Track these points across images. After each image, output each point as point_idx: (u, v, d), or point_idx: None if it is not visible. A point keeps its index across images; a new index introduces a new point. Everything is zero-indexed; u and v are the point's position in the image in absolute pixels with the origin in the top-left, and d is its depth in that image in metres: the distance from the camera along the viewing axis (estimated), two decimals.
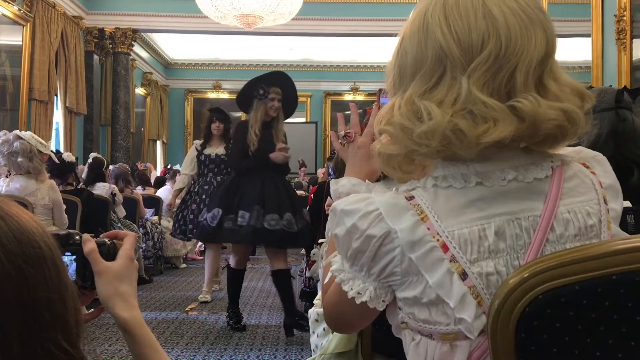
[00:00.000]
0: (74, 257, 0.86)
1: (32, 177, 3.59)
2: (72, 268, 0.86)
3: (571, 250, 0.77)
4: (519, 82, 0.79)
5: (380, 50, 11.28)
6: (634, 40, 4.29)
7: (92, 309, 0.92)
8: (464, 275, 0.79)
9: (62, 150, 6.57)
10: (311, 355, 1.86)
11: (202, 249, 6.92)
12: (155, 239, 6.59)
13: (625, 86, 2.36)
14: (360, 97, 13.45)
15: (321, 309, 1.94)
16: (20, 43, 6.96)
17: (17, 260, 0.58)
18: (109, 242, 0.89)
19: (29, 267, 0.58)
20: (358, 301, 0.86)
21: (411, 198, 0.84)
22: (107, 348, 3.72)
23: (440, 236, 0.80)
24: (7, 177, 3.51)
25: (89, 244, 0.86)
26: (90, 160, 5.64)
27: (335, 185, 1.18)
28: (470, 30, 0.80)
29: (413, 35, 0.86)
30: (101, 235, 0.90)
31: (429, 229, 0.81)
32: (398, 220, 0.82)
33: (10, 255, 0.57)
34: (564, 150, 0.89)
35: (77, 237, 0.87)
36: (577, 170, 0.87)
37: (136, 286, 0.89)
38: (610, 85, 2.97)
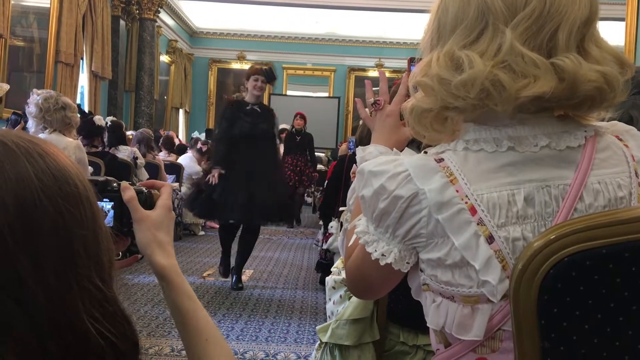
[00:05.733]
0: (112, 204, 0.87)
1: (65, 132, 3.68)
2: (110, 215, 0.86)
3: (599, 214, 0.76)
4: (561, 41, 0.78)
5: (406, 27, 11.13)
6: None
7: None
8: (490, 239, 0.79)
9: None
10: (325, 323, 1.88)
11: None
12: (175, 205, 6.67)
13: None
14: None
15: (338, 277, 1.95)
16: (49, 5, 7.00)
17: (54, 196, 0.58)
18: (146, 191, 0.89)
19: (65, 203, 0.59)
20: (382, 263, 0.86)
21: (440, 160, 0.84)
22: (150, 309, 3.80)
23: (468, 199, 0.80)
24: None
25: (129, 191, 0.87)
26: (109, 123, 5.67)
27: (362, 152, 1.16)
28: None
29: None
30: (138, 184, 0.90)
31: (457, 191, 0.80)
32: (427, 181, 0.82)
33: (48, 191, 0.58)
34: (598, 123, 0.88)
35: (115, 185, 0.87)
36: (610, 142, 0.86)
37: (173, 235, 0.89)
38: None
